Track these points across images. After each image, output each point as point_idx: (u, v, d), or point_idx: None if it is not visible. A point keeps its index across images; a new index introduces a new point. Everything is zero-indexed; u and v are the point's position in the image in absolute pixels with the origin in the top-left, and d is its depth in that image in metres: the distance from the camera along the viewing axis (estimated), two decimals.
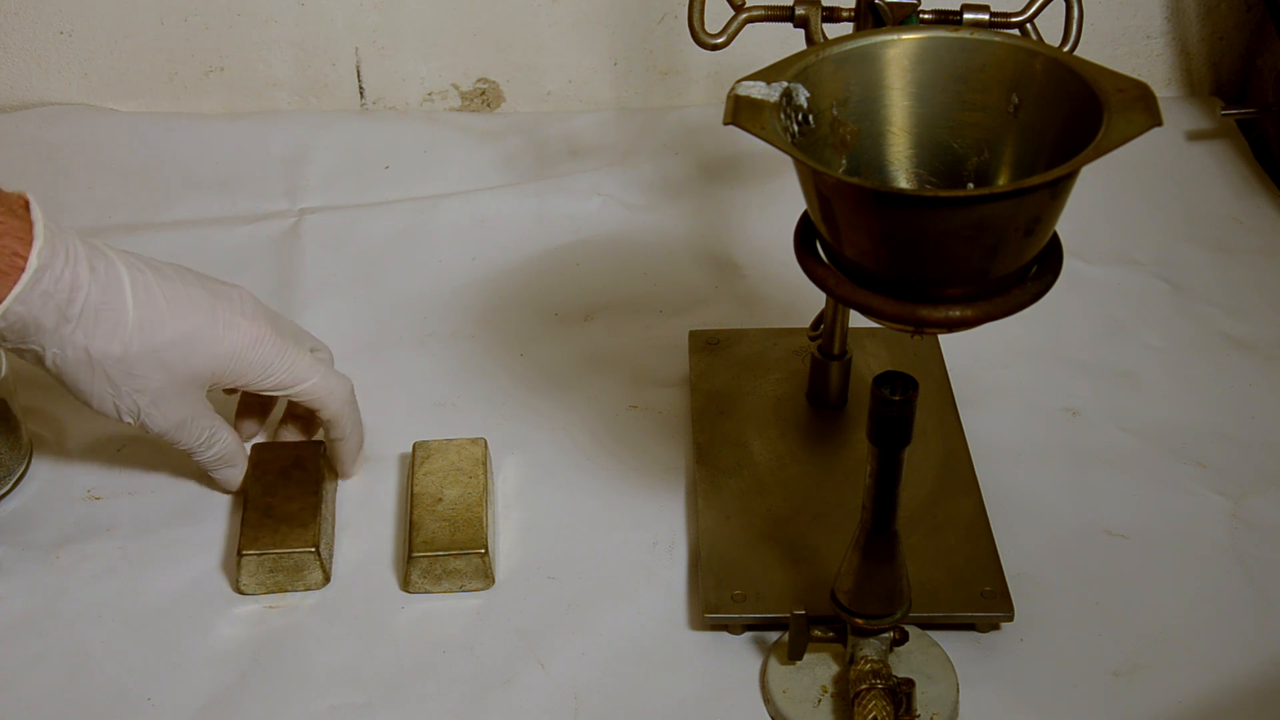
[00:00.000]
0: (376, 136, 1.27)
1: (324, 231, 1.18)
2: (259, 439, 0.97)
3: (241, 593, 0.89)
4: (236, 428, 0.96)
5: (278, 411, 0.98)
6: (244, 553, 0.87)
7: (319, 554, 0.88)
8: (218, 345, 0.86)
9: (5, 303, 0.78)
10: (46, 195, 1.19)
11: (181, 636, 0.86)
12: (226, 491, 0.94)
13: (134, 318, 0.83)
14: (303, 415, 0.97)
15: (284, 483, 0.91)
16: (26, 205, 0.81)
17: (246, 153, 1.25)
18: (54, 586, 0.89)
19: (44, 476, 0.96)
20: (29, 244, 0.79)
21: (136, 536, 0.92)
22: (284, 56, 1.27)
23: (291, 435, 0.96)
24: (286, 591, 0.89)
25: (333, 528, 0.92)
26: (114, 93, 1.29)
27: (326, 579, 0.89)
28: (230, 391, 0.95)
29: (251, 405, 0.97)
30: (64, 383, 0.84)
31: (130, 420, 0.86)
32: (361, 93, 1.30)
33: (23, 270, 0.78)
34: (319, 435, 0.96)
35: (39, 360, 0.83)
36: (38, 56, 1.26)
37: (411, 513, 0.90)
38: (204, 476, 0.94)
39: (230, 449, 0.91)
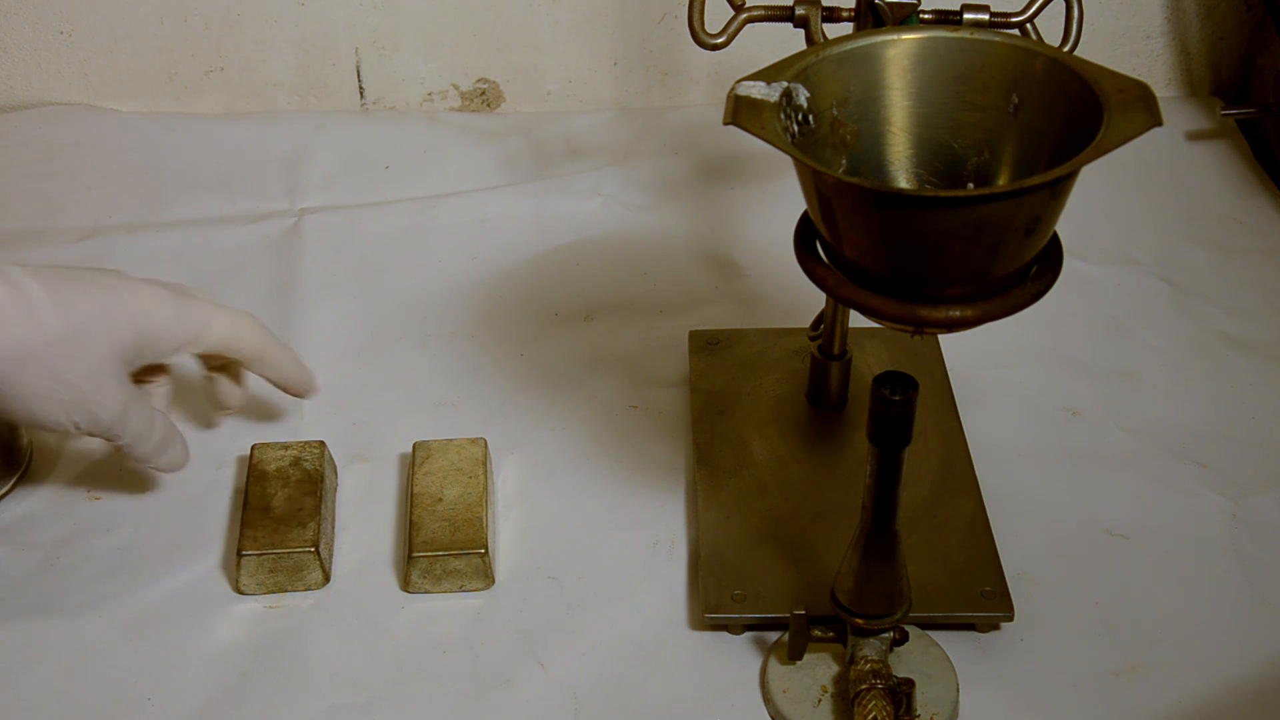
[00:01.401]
0: (376, 136, 1.27)
1: (324, 231, 1.18)
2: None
3: (241, 593, 0.89)
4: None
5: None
6: (244, 553, 0.87)
7: (319, 554, 0.88)
8: (130, 308, 0.83)
9: None
10: (46, 195, 1.21)
11: (181, 636, 0.86)
12: (173, 470, 0.90)
13: (43, 301, 0.79)
14: (222, 366, 0.93)
15: (284, 482, 0.91)
16: None
17: (246, 153, 1.25)
18: (54, 586, 0.89)
19: (44, 476, 0.96)
20: None
21: (136, 536, 0.92)
22: (284, 56, 1.27)
23: (229, 391, 0.94)
24: (286, 591, 0.89)
25: (333, 528, 0.92)
26: (114, 93, 1.29)
27: (326, 579, 0.89)
28: (141, 380, 0.91)
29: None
30: (3, 398, 0.80)
31: (78, 419, 0.82)
32: (361, 93, 1.30)
33: None
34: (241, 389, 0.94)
35: None
36: (38, 56, 1.26)
37: (411, 513, 0.90)
38: (207, 475, 0.94)
39: (169, 427, 0.88)
